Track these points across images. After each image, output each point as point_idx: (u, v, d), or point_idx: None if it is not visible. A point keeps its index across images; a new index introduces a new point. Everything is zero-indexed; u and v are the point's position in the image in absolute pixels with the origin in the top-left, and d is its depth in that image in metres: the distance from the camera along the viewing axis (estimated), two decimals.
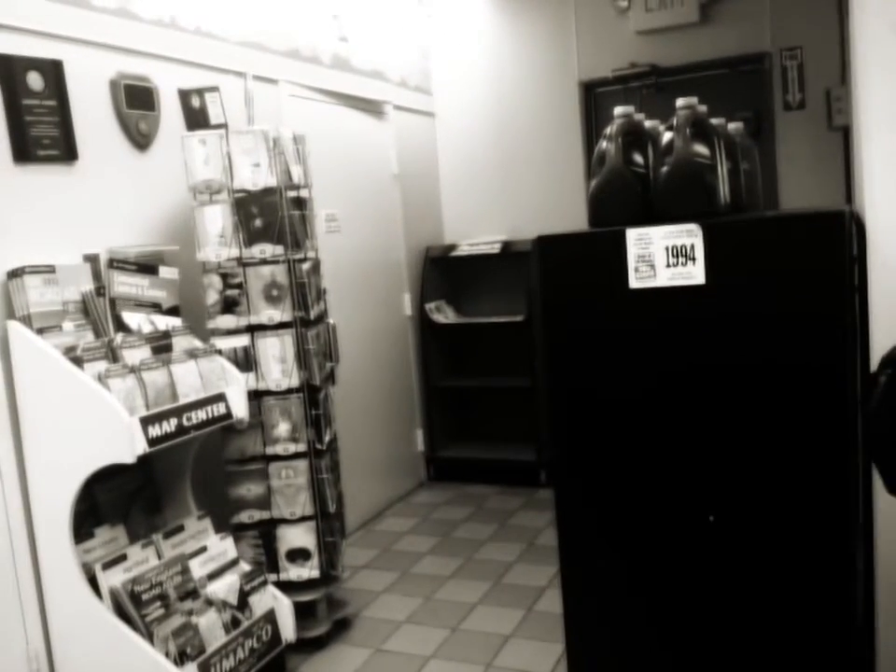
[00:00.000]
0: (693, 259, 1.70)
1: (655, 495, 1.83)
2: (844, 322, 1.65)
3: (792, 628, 1.76)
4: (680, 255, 1.71)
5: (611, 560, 1.92)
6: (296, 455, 3.00)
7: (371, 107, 4.59)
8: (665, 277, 1.73)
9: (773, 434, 1.72)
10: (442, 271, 5.17)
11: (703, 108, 1.86)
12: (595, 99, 5.04)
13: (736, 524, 1.76)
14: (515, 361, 4.89)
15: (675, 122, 1.81)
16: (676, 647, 1.88)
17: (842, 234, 1.62)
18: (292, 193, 3.00)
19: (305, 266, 2.98)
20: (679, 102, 1.82)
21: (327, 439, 3.07)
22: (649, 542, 1.85)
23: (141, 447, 2.25)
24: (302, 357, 2.98)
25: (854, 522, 1.76)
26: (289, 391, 2.97)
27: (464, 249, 5.04)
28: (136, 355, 2.44)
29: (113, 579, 2.37)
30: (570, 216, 4.52)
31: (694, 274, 1.70)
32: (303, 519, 3.01)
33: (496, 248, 4.93)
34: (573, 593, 1.99)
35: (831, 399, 1.67)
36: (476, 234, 5.18)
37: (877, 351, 1.81)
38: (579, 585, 1.97)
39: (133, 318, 2.61)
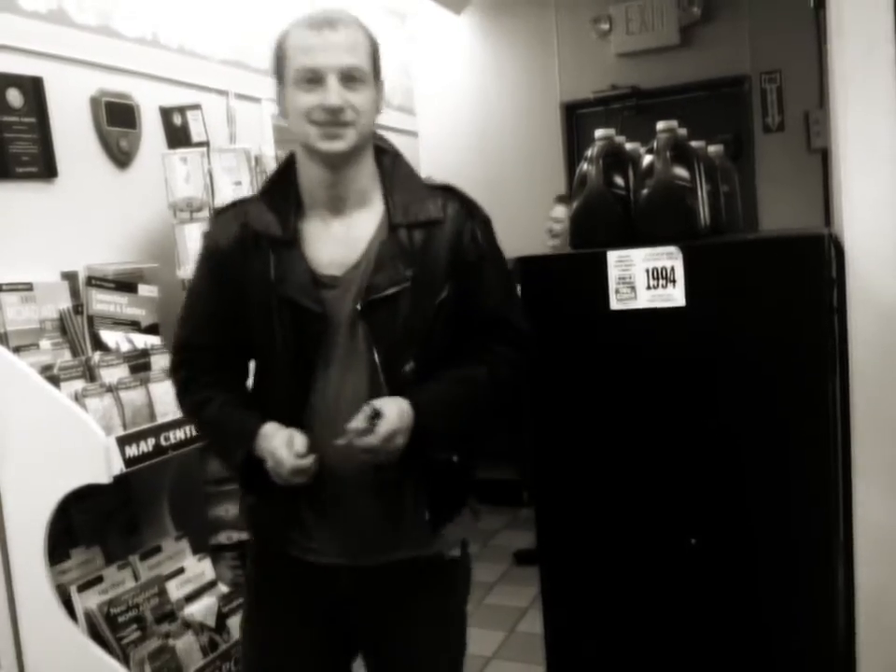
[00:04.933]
0: (674, 282, 1.70)
1: (637, 517, 1.82)
2: (824, 344, 1.65)
3: (775, 649, 1.76)
4: (661, 277, 1.71)
5: (593, 581, 1.91)
6: None
7: None
8: (646, 299, 1.73)
9: (754, 456, 1.72)
10: None
11: (683, 131, 1.88)
12: (576, 120, 5.08)
13: (718, 546, 1.76)
14: None
15: (655, 145, 1.82)
16: (657, 669, 1.86)
17: (822, 258, 1.63)
18: None
19: None
20: (660, 125, 1.83)
21: None
22: (630, 564, 1.84)
23: (118, 467, 2.22)
24: None
25: (835, 540, 1.76)
26: None
27: None
28: (114, 373, 2.41)
29: (88, 601, 2.33)
30: None
31: (675, 297, 1.71)
32: None
33: None
34: (553, 614, 1.97)
35: (811, 421, 1.67)
36: None
37: (857, 373, 1.83)
38: (559, 606, 1.96)
39: (111, 337, 2.58)
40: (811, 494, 1.70)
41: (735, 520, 1.74)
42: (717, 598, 1.77)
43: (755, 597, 1.75)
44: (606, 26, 4.81)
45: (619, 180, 1.89)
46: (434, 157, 5.30)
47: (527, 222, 4.99)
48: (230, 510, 2.95)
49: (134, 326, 2.70)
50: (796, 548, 1.71)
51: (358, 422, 1.39)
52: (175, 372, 1.67)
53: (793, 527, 1.71)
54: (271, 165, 2.95)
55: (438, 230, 1.54)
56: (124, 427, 2.32)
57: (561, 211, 3.88)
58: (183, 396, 1.65)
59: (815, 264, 1.62)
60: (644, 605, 1.84)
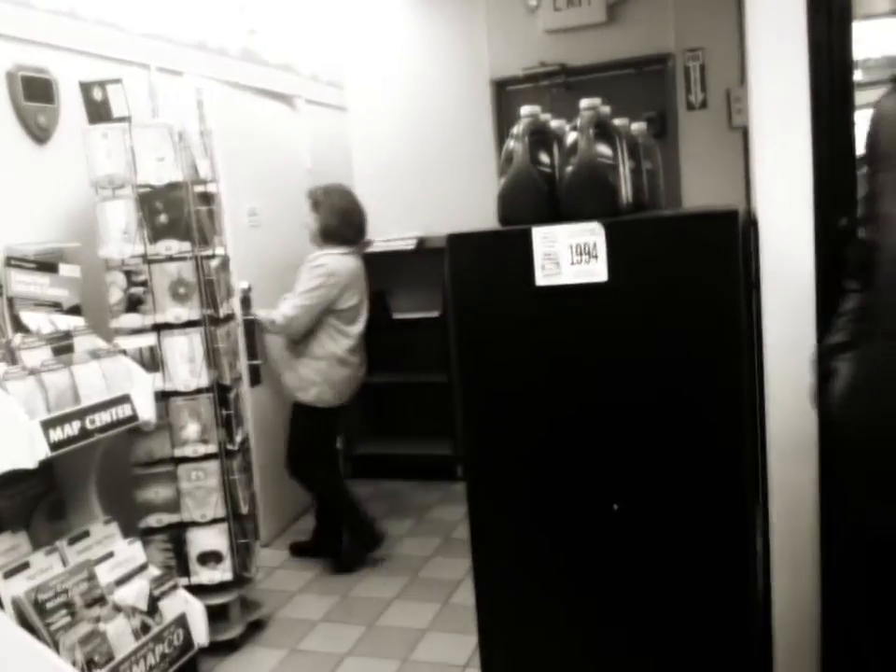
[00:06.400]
0: (596, 257, 1.74)
1: (562, 486, 1.87)
2: (738, 318, 1.72)
3: (696, 609, 1.83)
4: (584, 253, 1.75)
5: (521, 550, 1.95)
6: (206, 457, 2.95)
7: (283, 101, 4.53)
8: (570, 275, 1.77)
9: (673, 426, 1.78)
10: None
11: (606, 109, 1.91)
12: (506, 97, 5.10)
13: (639, 512, 1.82)
14: (431, 356, 4.91)
15: (579, 123, 1.85)
16: (584, 633, 1.93)
17: (734, 232, 1.68)
18: (199, 188, 2.94)
19: (214, 263, 2.93)
20: (583, 103, 1.86)
21: (238, 439, 3.02)
22: (556, 532, 1.89)
23: (42, 452, 2.18)
24: (212, 356, 2.93)
25: (752, 504, 1.84)
26: (198, 391, 2.92)
27: (378, 245, 5.02)
28: (36, 356, 2.35)
29: (15, 587, 2.29)
30: (483, 212, 4.53)
31: (597, 272, 1.75)
32: (215, 521, 2.97)
33: (410, 245, 4.94)
34: (485, 584, 2.02)
35: (726, 393, 1.74)
36: (390, 230, 5.17)
37: (771, 345, 1.90)
38: (490, 577, 2.01)
39: (32, 318, 2.52)
40: (727, 460, 1.76)
41: (655, 487, 1.80)
42: (640, 562, 1.84)
43: (676, 559, 1.82)
44: (534, 2, 4.82)
45: (544, 157, 1.91)
46: (365, 132, 5.27)
47: (458, 199, 5.01)
48: (159, 492, 2.92)
49: (57, 307, 2.63)
50: (714, 510, 1.78)
51: None
52: None
53: (711, 492, 1.77)
54: (194, 141, 2.90)
55: None
56: (48, 410, 2.27)
57: (306, 206, 3.71)
58: None
59: (728, 239, 1.68)
60: (570, 570, 1.90)
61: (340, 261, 3.59)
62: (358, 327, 3.69)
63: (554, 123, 2.03)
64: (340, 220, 3.63)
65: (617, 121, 1.97)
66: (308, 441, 3.73)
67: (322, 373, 3.61)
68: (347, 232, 3.65)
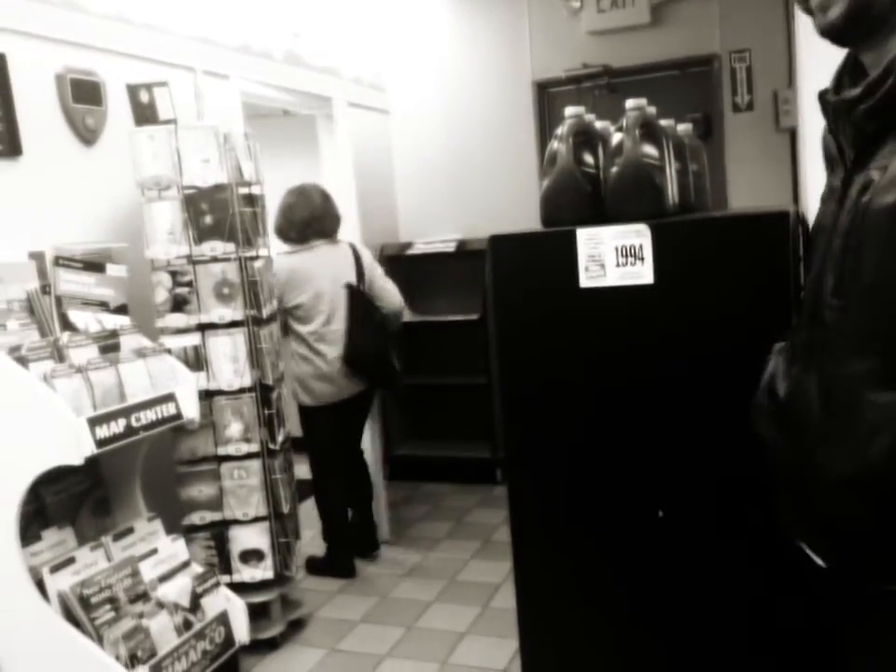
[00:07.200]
0: (642, 259, 1.72)
1: (606, 490, 1.84)
2: (788, 321, 1.68)
3: (744, 620, 1.79)
4: (629, 255, 1.73)
5: (564, 555, 1.93)
6: (248, 456, 2.97)
7: (325, 104, 4.56)
8: (615, 277, 1.75)
9: (719, 430, 1.74)
10: (397, 269, 5.15)
11: (652, 110, 1.88)
12: (548, 99, 5.07)
13: (686, 519, 1.79)
14: (471, 359, 4.90)
15: (624, 123, 1.83)
16: (627, 640, 1.90)
17: (786, 234, 1.65)
18: (243, 190, 2.97)
19: (257, 264, 2.96)
20: (629, 103, 1.83)
21: (280, 438, 3.05)
22: (600, 537, 1.87)
23: (89, 448, 2.21)
24: (255, 356, 2.96)
25: None
26: (241, 390, 2.94)
27: (419, 247, 5.04)
28: (83, 354, 2.39)
29: (61, 582, 2.33)
30: (525, 214, 4.53)
31: (643, 274, 1.72)
32: (256, 520, 2.99)
33: (451, 247, 4.94)
34: (526, 589, 2.00)
35: None
36: (431, 233, 5.18)
37: None
38: (532, 581, 1.99)
39: (79, 317, 2.56)
40: None
41: (701, 493, 1.77)
42: (685, 570, 1.81)
43: (723, 569, 1.78)
44: (577, 4, 4.79)
45: (589, 158, 1.89)
46: (406, 134, 5.29)
47: (498, 201, 5.01)
48: (203, 490, 2.95)
49: (103, 306, 2.67)
50: (762, 519, 1.74)
51: None
52: None
53: (758, 499, 1.73)
54: (239, 143, 2.93)
55: None
56: (94, 407, 2.31)
57: None
58: None
59: (779, 241, 1.64)
60: (614, 576, 1.87)
61: (284, 261, 3.62)
62: (313, 325, 3.64)
63: (598, 125, 2.01)
64: (281, 219, 3.69)
65: (663, 122, 1.94)
66: (305, 440, 3.81)
67: (290, 370, 3.66)
68: (289, 231, 3.67)
